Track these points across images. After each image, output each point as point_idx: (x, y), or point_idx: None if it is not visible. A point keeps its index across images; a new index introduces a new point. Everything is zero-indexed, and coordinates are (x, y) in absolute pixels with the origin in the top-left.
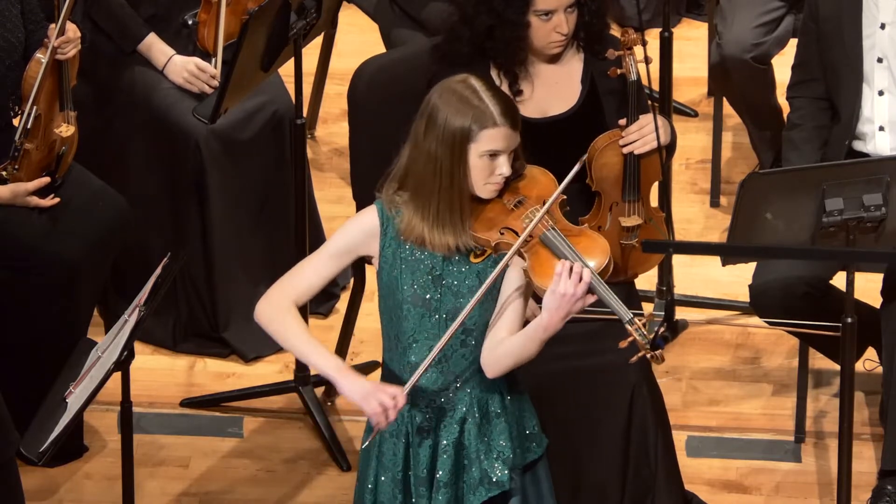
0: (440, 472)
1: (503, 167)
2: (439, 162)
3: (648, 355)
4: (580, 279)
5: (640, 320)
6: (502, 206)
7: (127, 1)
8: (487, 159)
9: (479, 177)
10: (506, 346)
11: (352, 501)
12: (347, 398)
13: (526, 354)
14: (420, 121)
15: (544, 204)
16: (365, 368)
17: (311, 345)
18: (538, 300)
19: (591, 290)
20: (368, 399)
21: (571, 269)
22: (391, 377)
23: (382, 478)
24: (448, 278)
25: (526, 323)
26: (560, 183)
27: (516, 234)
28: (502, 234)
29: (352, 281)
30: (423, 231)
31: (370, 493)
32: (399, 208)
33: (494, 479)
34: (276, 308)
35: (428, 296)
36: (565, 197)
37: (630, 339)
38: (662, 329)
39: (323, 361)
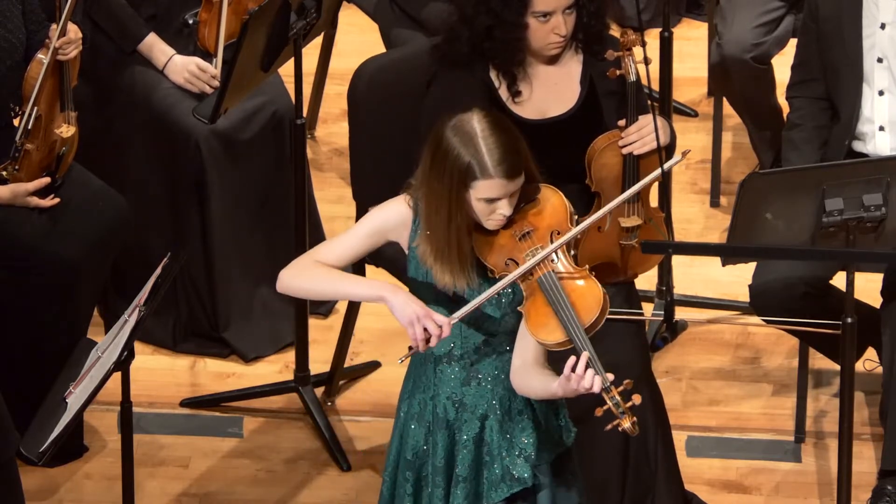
0: (460, 467)
1: (503, 209)
2: (440, 196)
3: (620, 428)
4: (592, 379)
5: (616, 389)
6: (510, 235)
7: (127, 1)
8: (485, 203)
9: (480, 215)
10: (531, 383)
11: (351, 502)
12: (396, 316)
13: (541, 397)
14: (428, 149)
15: (551, 239)
16: (365, 369)
17: (347, 278)
18: None
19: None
20: (414, 324)
21: (586, 369)
22: (418, 363)
23: (402, 458)
24: (470, 290)
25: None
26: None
27: (518, 266)
28: (507, 265)
29: None
30: (430, 262)
31: (391, 470)
32: (420, 219)
33: (516, 476)
34: (300, 267)
35: (450, 300)
36: (573, 228)
37: (605, 407)
38: (663, 329)
39: (368, 286)
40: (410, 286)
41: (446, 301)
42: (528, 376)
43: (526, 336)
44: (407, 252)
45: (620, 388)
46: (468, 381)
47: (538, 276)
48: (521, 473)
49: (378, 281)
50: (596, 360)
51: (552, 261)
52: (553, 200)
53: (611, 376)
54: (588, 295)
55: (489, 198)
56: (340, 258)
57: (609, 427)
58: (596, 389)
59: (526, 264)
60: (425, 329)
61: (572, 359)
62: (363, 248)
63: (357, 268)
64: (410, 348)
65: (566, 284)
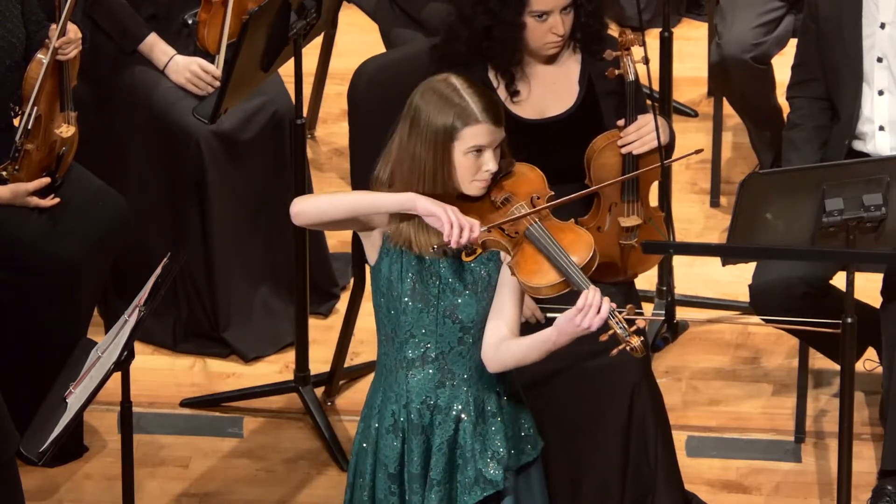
0: (434, 471)
1: (489, 163)
2: (423, 163)
3: (628, 347)
4: (596, 314)
5: (620, 313)
6: (490, 203)
7: (127, 0)
8: (473, 156)
9: (465, 174)
10: (511, 347)
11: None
12: (428, 212)
13: (529, 360)
14: (403, 122)
15: (532, 202)
16: (364, 369)
17: (371, 193)
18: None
19: None
20: (447, 209)
21: (596, 307)
22: (385, 373)
23: (380, 474)
24: (446, 275)
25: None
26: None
27: (503, 230)
28: (489, 231)
29: (352, 281)
30: (410, 234)
31: (368, 490)
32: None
33: (489, 478)
34: (316, 195)
35: (427, 292)
36: (553, 193)
37: (611, 332)
38: (663, 329)
39: (392, 197)
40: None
41: (429, 280)
42: (506, 347)
43: (498, 315)
44: (378, 248)
45: (624, 314)
46: (442, 383)
47: (525, 229)
48: (494, 476)
49: (402, 193)
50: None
51: (538, 218)
52: (527, 171)
53: (613, 304)
54: (577, 239)
55: (477, 145)
56: None
57: (616, 351)
58: (599, 322)
59: (516, 214)
60: (459, 221)
61: (585, 294)
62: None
63: (357, 268)
64: (439, 246)
65: (554, 231)
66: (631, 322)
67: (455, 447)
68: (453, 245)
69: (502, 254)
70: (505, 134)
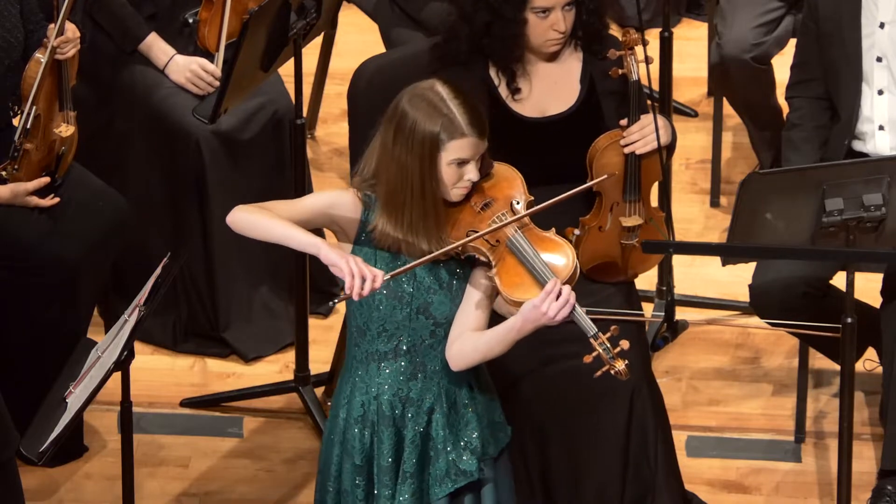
0: (406, 463)
1: (471, 173)
2: (409, 171)
3: (612, 371)
4: (564, 305)
5: (604, 335)
6: (470, 208)
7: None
8: (455, 167)
9: (447, 182)
10: (474, 342)
11: None
12: (330, 261)
13: (493, 352)
14: (388, 125)
15: (511, 208)
16: None
17: (295, 228)
18: None
19: None
20: (350, 262)
21: (560, 291)
22: (356, 365)
23: (346, 465)
24: (420, 272)
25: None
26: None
27: (484, 237)
28: (469, 236)
29: None
30: (399, 240)
31: (334, 481)
32: (372, 210)
33: (463, 469)
34: (256, 209)
35: (400, 289)
36: (532, 198)
37: (594, 353)
38: (663, 329)
39: (303, 238)
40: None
41: (403, 278)
42: (470, 343)
43: (466, 313)
44: (352, 238)
45: (608, 335)
46: (414, 375)
47: (507, 240)
48: (468, 467)
49: (315, 237)
50: (580, 310)
51: (518, 226)
52: (506, 173)
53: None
54: (559, 252)
55: (461, 158)
56: (287, 217)
57: (600, 373)
58: (564, 315)
59: (496, 225)
60: (361, 272)
61: (554, 281)
62: (304, 219)
63: None
64: (341, 295)
65: (535, 242)
66: (616, 343)
67: (427, 439)
68: (354, 297)
69: (479, 260)
70: (487, 144)
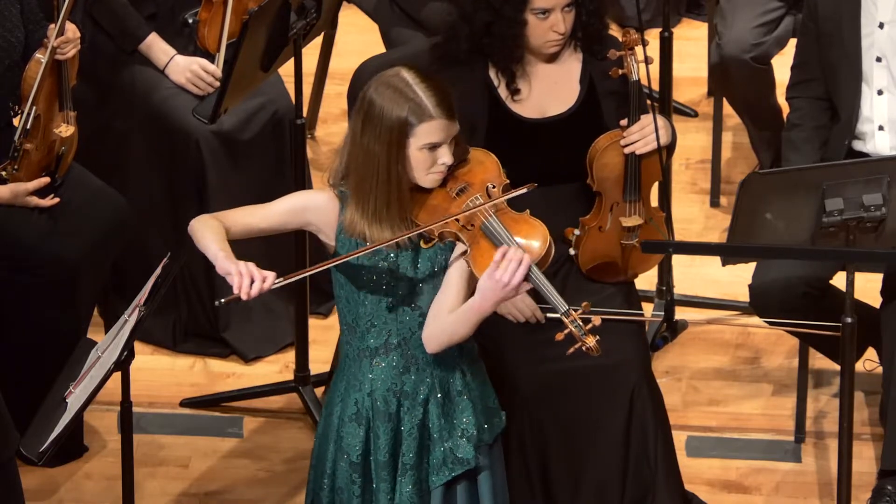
0: (405, 456)
1: (444, 157)
2: (376, 158)
3: (584, 347)
4: (518, 265)
5: (576, 312)
6: (445, 193)
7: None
8: (427, 151)
9: (420, 168)
10: (441, 323)
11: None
12: (224, 271)
13: (459, 334)
14: (356, 117)
15: (487, 192)
16: None
17: (213, 244)
18: None
19: (527, 279)
20: (240, 265)
21: (509, 255)
22: (349, 362)
23: (341, 462)
24: (403, 264)
25: None
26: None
27: (458, 221)
28: (439, 220)
29: None
30: (364, 227)
31: (328, 478)
32: (346, 206)
33: (460, 457)
34: (206, 218)
35: (384, 283)
36: (508, 181)
37: (566, 331)
38: (663, 329)
39: (212, 249)
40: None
41: (385, 271)
42: (436, 324)
43: (442, 296)
44: (334, 241)
45: (579, 312)
46: (407, 369)
47: (480, 223)
48: (465, 454)
49: (224, 252)
50: (550, 288)
51: (493, 209)
52: (482, 158)
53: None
54: (532, 233)
55: (432, 142)
56: (247, 225)
57: (572, 350)
58: (519, 277)
59: (470, 209)
60: (250, 273)
61: (503, 248)
62: (275, 223)
63: None
64: (227, 300)
65: (509, 224)
66: (587, 321)
67: (424, 430)
68: (243, 296)
69: (458, 245)
70: (458, 126)
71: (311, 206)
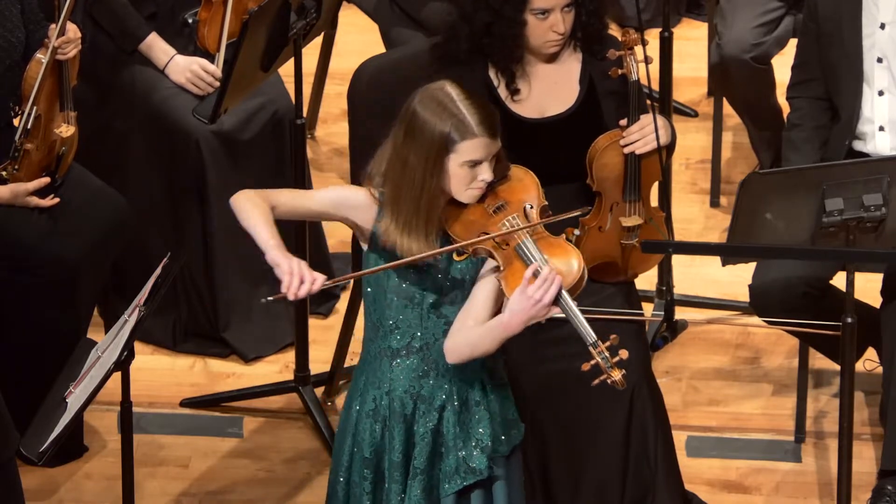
0: (417, 459)
1: (484, 174)
2: (413, 170)
3: (609, 380)
4: (551, 285)
5: (604, 343)
6: (483, 209)
7: None
8: (468, 168)
9: (460, 183)
10: (466, 334)
11: None
12: (274, 262)
13: (482, 348)
14: (399, 126)
15: (524, 212)
16: None
17: (263, 228)
18: None
19: (556, 302)
20: (292, 262)
21: (543, 274)
22: (370, 359)
23: (356, 457)
24: (433, 273)
25: None
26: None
27: (493, 240)
28: (480, 237)
29: (352, 281)
30: (396, 236)
31: (344, 471)
32: (384, 209)
33: (472, 466)
34: (251, 195)
35: (413, 289)
36: (546, 203)
37: (593, 362)
38: (663, 328)
39: (263, 235)
40: (377, 262)
41: (414, 277)
42: (460, 335)
43: (468, 308)
44: (367, 239)
45: (607, 344)
46: (427, 373)
47: (515, 245)
48: (478, 465)
49: (276, 240)
50: (579, 316)
51: (529, 231)
52: (522, 176)
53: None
54: (567, 257)
55: (473, 160)
56: (294, 207)
57: (597, 381)
58: (551, 296)
59: (507, 230)
60: (301, 273)
61: (529, 268)
62: (319, 210)
63: (357, 267)
64: (275, 298)
65: (545, 248)
66: (615, 353)
67: (438, 436)
68: (290, 297)
69: (490, 261)
70: (501, 144)
71: (353, 204)
